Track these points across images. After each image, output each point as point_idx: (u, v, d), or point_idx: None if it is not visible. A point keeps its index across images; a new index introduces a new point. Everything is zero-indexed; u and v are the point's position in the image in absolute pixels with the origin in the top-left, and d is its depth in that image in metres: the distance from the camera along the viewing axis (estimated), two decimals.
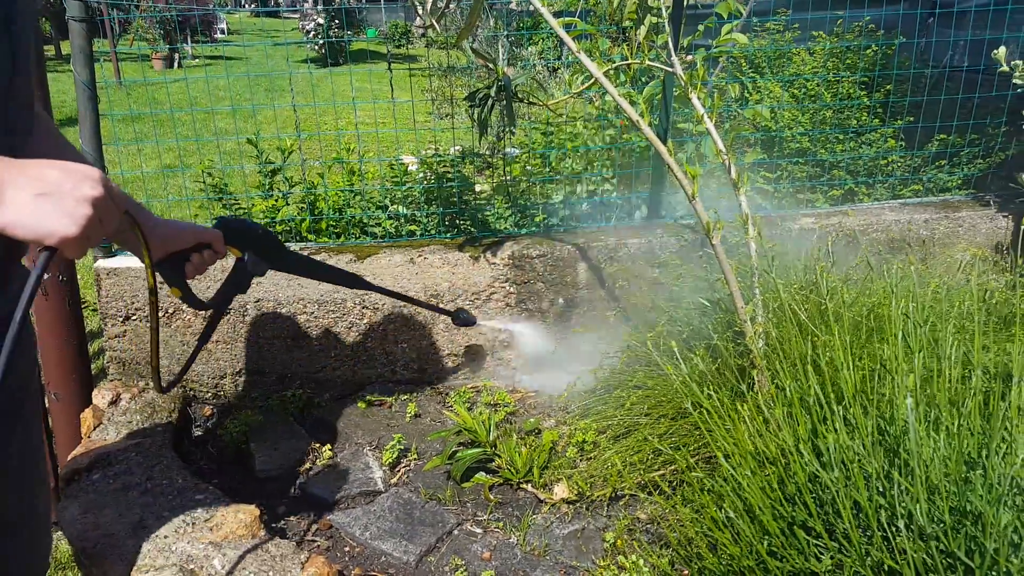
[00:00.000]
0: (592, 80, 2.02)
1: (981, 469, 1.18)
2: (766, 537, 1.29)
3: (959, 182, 2.91)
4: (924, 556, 1.13)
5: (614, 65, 2.30)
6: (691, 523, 1.52)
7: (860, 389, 1.42)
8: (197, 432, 2.35)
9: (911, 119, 2.94)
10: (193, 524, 1.67)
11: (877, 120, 3.17)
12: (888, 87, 3.08)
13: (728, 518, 1.36)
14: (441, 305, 2.45)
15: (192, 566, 1.55)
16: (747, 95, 3.88)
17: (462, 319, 2.24)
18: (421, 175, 3.07)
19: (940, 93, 2.78)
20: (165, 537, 1.63)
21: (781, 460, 1.31)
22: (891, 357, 1.37)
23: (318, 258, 2.39)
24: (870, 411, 1.37)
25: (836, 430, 1.28)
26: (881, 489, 1.24)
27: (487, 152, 3.38)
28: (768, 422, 1.35)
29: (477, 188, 2.93)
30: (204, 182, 2.53)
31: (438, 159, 2.82)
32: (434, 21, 1.74)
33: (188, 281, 1.39)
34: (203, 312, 2.36)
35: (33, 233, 0.87)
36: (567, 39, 1.87)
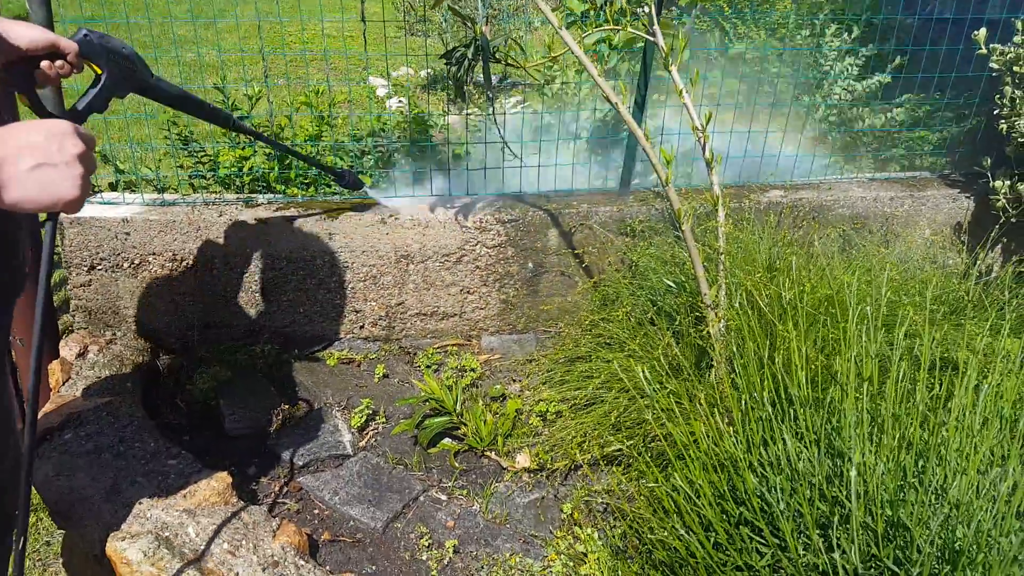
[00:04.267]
0: (564, 50, 1.98)
1: (915, 487, 1.28)
2: (712, 534, 1.39)
3: (936, 140, 2.92)
4: (857, 564, 1.23)
5: (599, 28, 2.26)
6: (645, 507, 1.62)
7: (811, 395, 1.50)
8: (166, 382, 2.36)
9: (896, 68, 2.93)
10: (167, 491, 1.72)
11: (858, 70, 3.16)
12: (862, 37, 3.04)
13: (678, 510, 1.45)
14: (411, 266, 2.47)
15: (167, 534, 1.61)
16: (728, 40, 3.83)
17: (347, 181, 2.28)
18: (395, 119, 3.00)
19: (923, 45, 2.73)
20: (140, 503, 1.68)
21: (731, 467, 1.40)
22: (842, 371, 1.44)
23: (288, 213, 2.37)
24: (819, 414, 1.46)
25: (785, 441, 1.36)
26: (823, 494, 1.34)
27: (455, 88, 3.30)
28: (721, 432, 1.43)
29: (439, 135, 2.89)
30: (169, 130, 2.46)
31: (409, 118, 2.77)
32: None
33: (39, 91, 1.33)
34: (174, 265, 2.34)
35: (41, 205, 0.95)
36: (551, 17, 1.82)
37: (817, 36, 3.33)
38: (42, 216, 1.07)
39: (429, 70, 5.95)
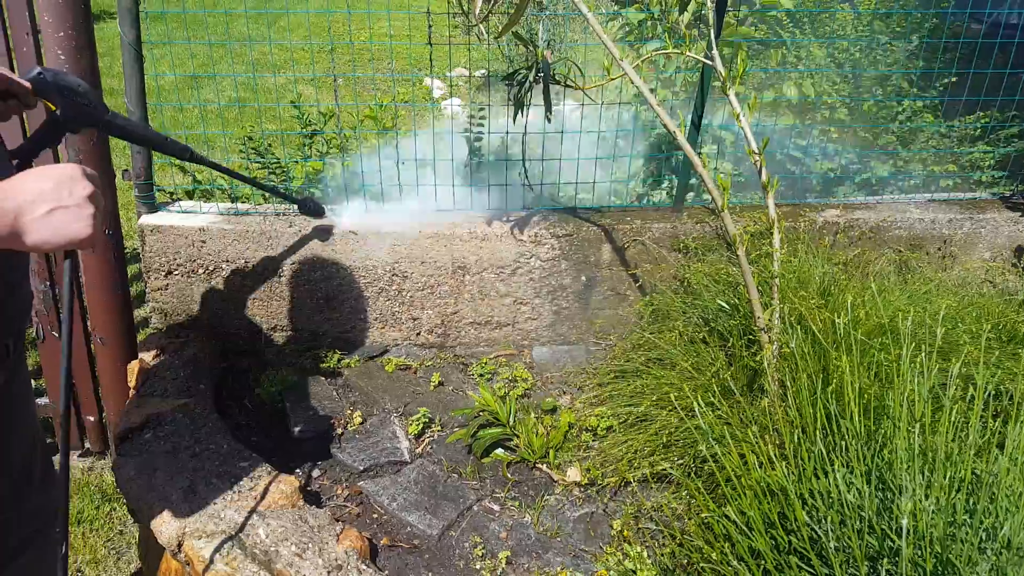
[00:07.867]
0: (622, 73, 2.02)
1: (966, 525, 1.30)
2: (762, 561, 1.43)
3: (994, 162, 2.88)
4: None
5: (655, 51, 2.30)
6: (695, 528, 1.67)
7: (863, 425, 1.52)
8: (234, 383, 2.49)
9: (952, 81, 2.88)
10: (239, 492, 1.83)
11: (917, 90, 3.12)
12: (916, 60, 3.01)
13: (727, 535, 1.49)
14: (467, 277, 2.54)
15: (240, 534, 1.72)
16: (785, 53, 3.81)
17: (309, 208, 2.37)
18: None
19: (987, 60, 2.66)
20: (214, 504, 1.79)
21: (781, 496, 1.44)
22: (895, 406, 1.47)
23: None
24: (870, 447, 1.48)
25: (835, 474, 1.39)
26: (872, 527, 1.37)
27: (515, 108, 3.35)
28: (773, 461, 1.47)
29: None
30: (244, 144, 2.58)
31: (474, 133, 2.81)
32: (480, 24, 1.74)
33: None
34: (246, 272, 2.46)
35: (58, 246, 1.04)
36: (612, 47, 1.87)
37: (875, 51, 3.30)
38: None
39: (484, 71, 6.03)
